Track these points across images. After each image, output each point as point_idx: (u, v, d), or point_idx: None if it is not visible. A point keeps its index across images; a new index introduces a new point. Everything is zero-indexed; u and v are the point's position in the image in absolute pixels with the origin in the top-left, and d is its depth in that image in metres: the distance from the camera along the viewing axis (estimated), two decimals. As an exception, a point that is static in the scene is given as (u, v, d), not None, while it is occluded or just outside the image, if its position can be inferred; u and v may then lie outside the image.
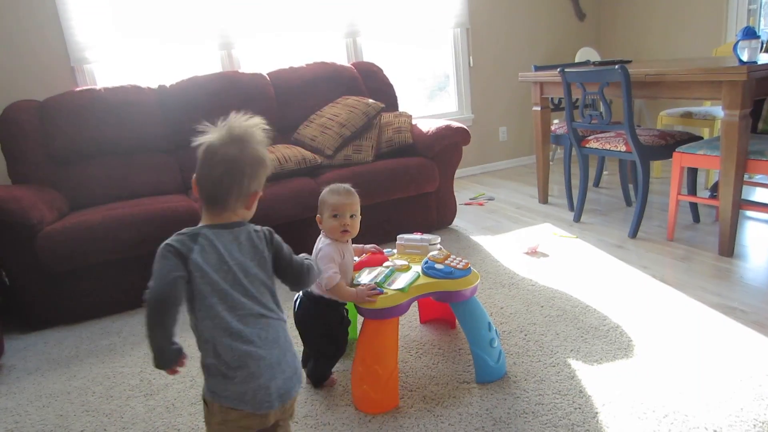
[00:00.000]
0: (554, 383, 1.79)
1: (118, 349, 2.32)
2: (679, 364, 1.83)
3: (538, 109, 3.67)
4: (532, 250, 2.96)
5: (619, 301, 2.32)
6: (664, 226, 3.18)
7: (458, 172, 4.71)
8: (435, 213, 3.36)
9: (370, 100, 3.38)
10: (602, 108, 3.05)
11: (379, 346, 1.67)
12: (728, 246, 2.70)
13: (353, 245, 1.93)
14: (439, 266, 1.75)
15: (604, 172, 4.40)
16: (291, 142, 3.32)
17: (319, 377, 1.85)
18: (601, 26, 5.20)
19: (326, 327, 1.77)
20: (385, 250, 1.98)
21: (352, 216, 1.80)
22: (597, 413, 1.62)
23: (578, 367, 1.87)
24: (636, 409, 1.63)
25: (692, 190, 3.13)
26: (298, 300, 1.78)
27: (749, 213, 3.25)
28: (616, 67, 2.78)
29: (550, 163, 4.39)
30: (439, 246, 1.98)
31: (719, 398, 1.64)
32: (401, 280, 1.71)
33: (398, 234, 2.03)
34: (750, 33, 2.45)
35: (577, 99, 3.24)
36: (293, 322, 1.79)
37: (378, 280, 1.70)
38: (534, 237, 3.17)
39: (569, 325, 2.15)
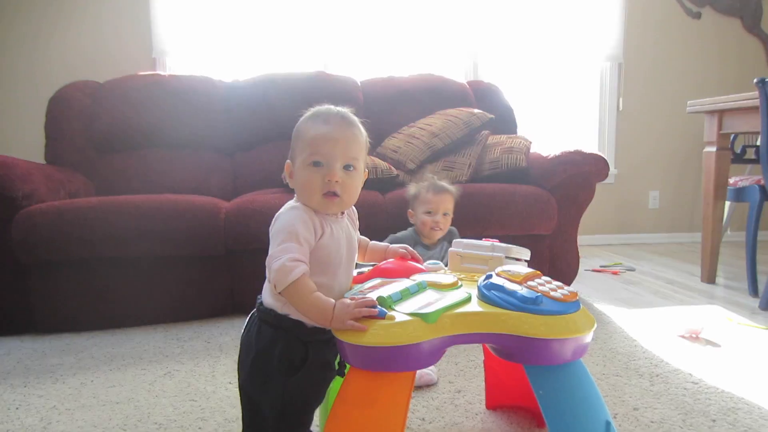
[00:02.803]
0: None
1: (44, 374, 1.65)
2: None
3: (713, 150, 2.65)
4: (693, 334, 1.91)
5: None
6: None
7: (589, 238, 3.73)
8: (547, 266, 2.41)
9: (476, 110, 2.62)
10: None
11: (365, 429, 0.82)
12: None
13: (372, 242, 1.13)
14: (512, 286, 0.88)
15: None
16: (373, 156, 2.65)
17: None
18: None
19: (265, 373, 0.91)
20: (428, 262, 1.13)
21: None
22: None
23: None
24: None
25: None
26: (250, 315, 1.00)
27: None
28: None
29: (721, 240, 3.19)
30: (526, 265, 1.10)
31: None
32: (429, 301, 0.87)
33: (454, 241, 1.19)
34: None
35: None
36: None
37: (386, 294, 0.87)
38: (696, 318, 2.11)
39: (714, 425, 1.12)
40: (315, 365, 0.91)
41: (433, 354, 0.84)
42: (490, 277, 0.92)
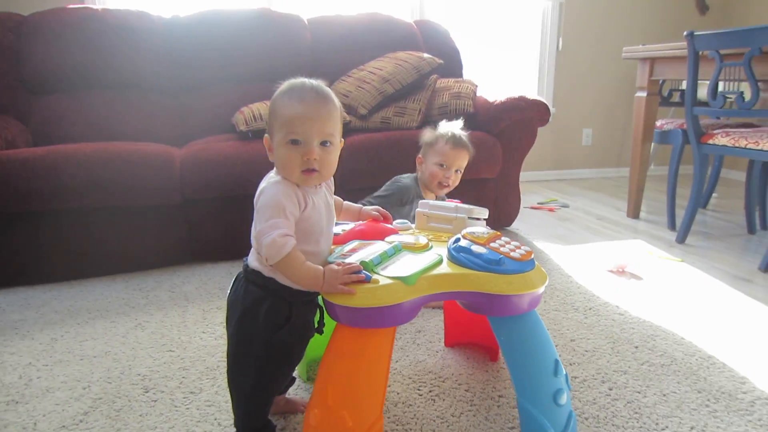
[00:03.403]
0: (664, 487, 0.99)
1: (8, 331, 1.67)
2: None
3: (644, 95, 2.83)
4: (619, 269, 2.13)
5: (761, 358, 1.48)
6: (809, 263, 2.28)
7: (527, 174, 3.92)
8: (492, 207, 2.56)
9: (426, 55, 2.66)
10: (746, 87, 2.19)
11: (355, 378, 0.93)
12: None
13: (346, 202, 1.21)
14: (477, 249, 0.99)
15: (714, 194, 3.48)
16: (322, 100, 2.65)
17: (247, 429, 1.06)
18: (727, 23, 4.24)
19: (252, 328, 0.99)
20: (396, 221, 1.23)
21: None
22: None
23: (705, 460, 1.06)
24: None
25: None
26: (238, 274, 1.06)
27: None
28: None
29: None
30: (485, 225, 1.22)
31: None
32: (407, 264, 0.97)
33: (420, 202, 1.29)
34: None
35: (701, 100, 2.38)
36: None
37: (368, 258, 0.97)
38: (621, 253, 2.34)
39: (684, 384, 1.34)
40: (297, 324, 1.00)
41: (412, 311, 0.95)
42: (458, 240, 1.03)
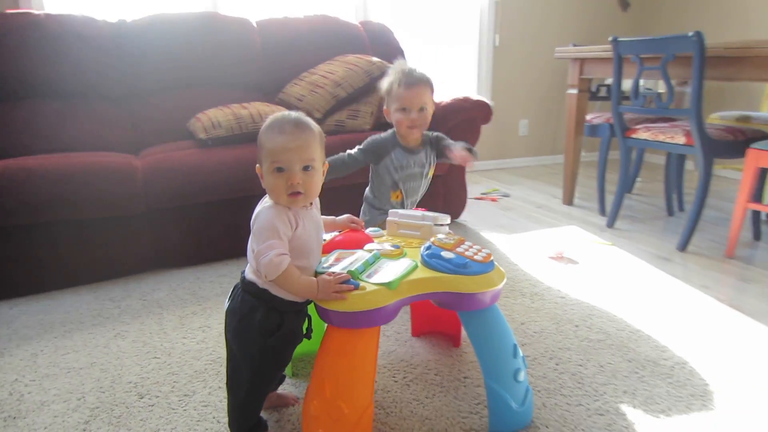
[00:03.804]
0: (605, 444, 1.19)
1: (6, 343, 1.72)
2: (792, 431, 1.24)
3: (575, 92, 3.08)
4: (558, 255, 2.36)
5: (679, 328, 1.73)
6: (716, 241, 2.60)
7: (469, 165, 4.13)
8: (442, 201, 2.75)
9: (375, 58, 2.79)
10: (662, 88, 2.45)
11: (348, 371, 1.07)
12: (812, 270, 2.11)
13: (323, 217, 1.33)
14: (447, 254, 1.15)
15: (638, 179, 3.81)
16: (275, 103, 2.74)
17: (240, 426, 1.17)
18: (646, 19, 4.59)
19: (247, 334, 1.10)
20: (369, 229, 1.38)
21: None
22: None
23: (637, 418, 1.28)
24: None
25: (758, 200, 2.54)
26: (236, 285, 1.17)
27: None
28: (690, 33, 2.18)
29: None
30: (448, 229, 1.38)
31: None
32: (388, 271, 1.12)
33: (390, 211, 1.43)
34: None
35: (625, 93, 2.64)
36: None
37: (353, 268, 1.11)
38: (559, 240, 2.58)
39: (617, 355, 1.56)
40: (287, 330, 1.12)
41: (395, 311, 1.10)
42: (429, 247, 1.18)
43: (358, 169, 1.79)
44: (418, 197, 1.90)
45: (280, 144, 1.06)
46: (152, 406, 1.34)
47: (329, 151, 1.97)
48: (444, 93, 2.76)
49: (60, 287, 2.10)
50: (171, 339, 1.68)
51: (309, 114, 2.55)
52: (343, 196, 1.97)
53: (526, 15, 4.20)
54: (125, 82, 2.69)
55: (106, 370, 1.51)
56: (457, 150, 1.74)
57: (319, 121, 2.57)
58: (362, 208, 1.89)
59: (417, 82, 1.67)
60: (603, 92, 3.50)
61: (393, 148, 1.75)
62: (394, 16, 3.81)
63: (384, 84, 1.74)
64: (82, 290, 2.08)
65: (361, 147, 1.77)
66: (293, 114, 1.11)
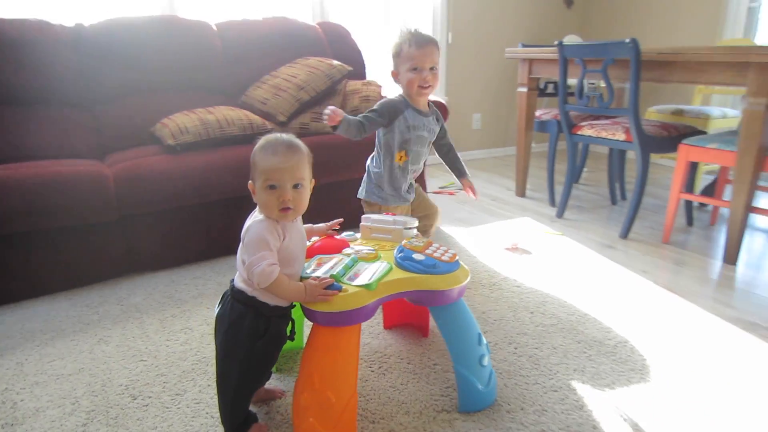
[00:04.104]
0: (559, 415, 1.36)
1: None
2: (710, 393, 1.44)
3: (525, 90, 3.26)
4: (513, 247, 2.54)
5: (621, 310, 1.92)
6: (654, 228, 2.84)
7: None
8: (403, 198, 2.89)
9: (335, 62, 2.89)
10: (604, 89, 2.65)
11: (334, 365, 1.19)
12: (734, 252, 2.36)
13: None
14: (418, 257, 1.29)
15: (585, 169, 4.05)
16: (238, 106, 2.80)
17: (231, 422, 1.26)
18: (589, 15, 4.84)
19: (236, 338, 1.20)
20: (344, 233, 1.50)
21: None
22: (622, 463, 1.20)
23: (586, 392, 1.45)
24: (673, 459, 1.22)
25: (690, 190, 2.79)
26: (225, 292, 1.27)
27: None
28: (627, 40, 2.38)
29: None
30: (416, 231, 1.52)
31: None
32: (366, 274, 1.25)
33: (362, 216, 1.56)
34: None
35: (570, 86, 2.84)
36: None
37: (335, 272, 1.23)
38: (514, 232, 2.77)
39: (567, 338, 1.74)
40: (273, 334, 1.23)
41: (373, 310, 1.23)
42: (402, 250, 1.31)
43: (372, 132, 1.82)
44: (420, 166, 1.94)
45: (273, 164, 1.17)
46: (146, 406, 1.43)
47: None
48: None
49: (34, 296, 2.12)
50: (154, 342, 1.75)
51: (273, 117, 2.67)
52: (336, 191, 2.07)
53: (477, 13, 4.37)
54: (86, 87, 2.69)
55: (95, 375, 1.58)
56: (467, 182, 1.96)
57: (283, 125, 2.67)
58: (363, 180, 1.95)
59: (427, 42, 1.70)
60: (551, 89, 3.71)
61: (405, 108, 1.79)
62: (349, 13, 3.90)
63: (393, 46, 1.77)
64: (58, 297, 2.11)
65: (374, 108, 1.78)
66: (285, 136, 1.22)
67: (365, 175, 1.95)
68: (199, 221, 2.35)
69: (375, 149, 1.92)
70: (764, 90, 2.12)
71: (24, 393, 1.51)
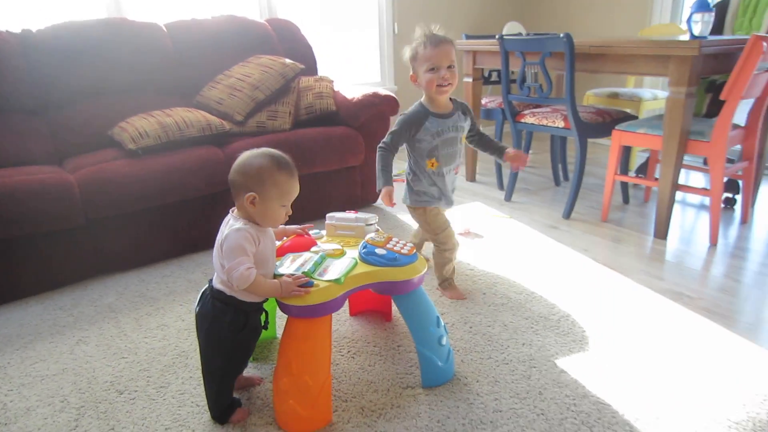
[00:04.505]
0: (510, 384, 1.55)
1: None
2: (641, 357, 1.65)
3: (470, 80, 3.43)
4: (465, 231, 2.72)
5: (564, 287, 2.13)
6: (594, 207, 3.08)
7: (380, 148, 4.42)
8: (360, 189, 3.04)
9: (288, 60, 2.98)
10: (542, 80, 2.84)
11: (309, 352, 1.33)
12: (664, 228, 2.61)
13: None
14: (380, 251, 1.44)
15: (530, 151, 4.27)
16: (193, 106, 2.86)
17: (218, 408, 1.40)
18: (530, 1, 5.05)
19: (218, 333, 1.32)
20: (311, 231, 1.63)
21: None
22: (563, 419, 1.40)
23: (533, 363, 1.64)
24: (604, 413, 1.42)
25: (624, 171, 3.04)
26: (203, 291, 1.39)
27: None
28: (561, 35, 2.57)
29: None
30: (376, 227, 1.66)
31: (694, 398, 1.47)
32: (335, 269, 1.38)
33: (324, 212, 1.69)
34: (704, 5, 2.32)
35: (514, 71, 3.02)
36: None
37: (306, 269, 1.36)
38: (465, 217, 2.95)
39: (516, 315, 1.93)
40: (251, 326, 1.37)
41: (342, 301, 1.37)
42: (365, 246, 1.45)
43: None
44: (455, 164, 1.96)
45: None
46: (133, 399, 1.53)
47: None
48: (351, 79, 3.00)
49: (4, 302, 2.17)
50: (133, 340, 1.85)
51: (230, 117, 2.75)
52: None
53: (422, 3, 4.50)
54: (39, 92, 2.69)
55: (80, 374, 1.67)
56: (512, 154, 1.96)
57: (240, 124, 2.76)
58: (404, 187, 2.03)
59: (442, 41, 1.74)
60: (495, 77, 3.89)
61: (425, 117, 1.83)
62: (298, 8, 3.96)
63: (407, 51, 1.83)
64: (30, 302, 2.16)
65: (394, 128, 1.86)
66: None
67: (405, 182, 2.03)
68: (164, 221, 2.42)
69: (408, 160, 1.98)
70: (684, 80, 2.34)
71: (12, 394, 1.59)
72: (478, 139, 2.06)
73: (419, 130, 1.86)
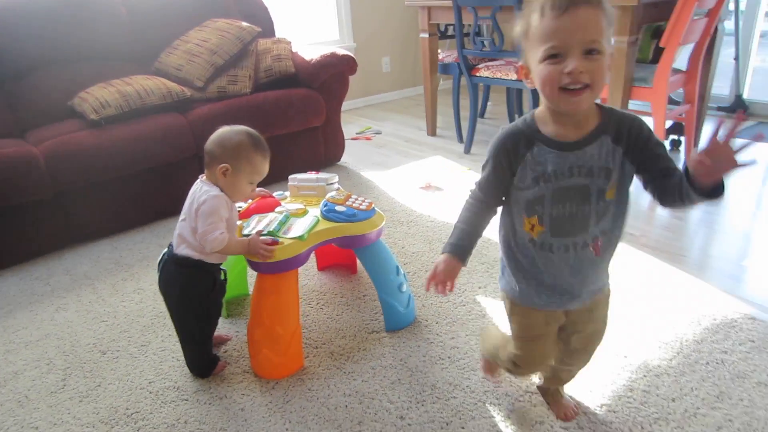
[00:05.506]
0: (466, 323, 1.70)
1: None
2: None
3: (426, 36, 3.49)
4: (426, 185, 2.84)
5: (518, 233, 2.28)
6: (549, 155, 3.21)
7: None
8: (323, 149, 3.11)
9: (244, 23, 2.98)
10: (495, 34, 2.92)
11: (279, 304, 1.45)
12: (611, 172, 2.76)
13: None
14: (340, 208, 1.54)
15: (489, 103, 4.38)
16: (152, 73, 2.86)
17: (201, 365, 1.54)
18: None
19: (191, 297, 1.44)
20: (275, 193, 1.73)
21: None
22: (512, 352, 1.56)
23: (488, 303, 1.80)
24: (549, 343, 1.58)
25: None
26: (161, 261, 1.47)
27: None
28: (510, -11, 2.64)
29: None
30: (337, 185, 1.77)
31: (652, 334, 1.64)
32: (298, 227, 1.49)
33: (288, 174, 1.77)
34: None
35: (468, 25, 3.09)
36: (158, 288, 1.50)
37: (272, 228, 1.46)
38: (427, 171, 3.06)
39: (474, 261, 2.07)
40: (219, 285, 1.48)
41: (307, 256, 1.48)
42: (326, 204, 1.56)
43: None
44: (582, 236, 1.04)
45: (264, 168, 1.44)
46: (116, 358, 1.64)
47: (214, 119, 2.13)
48: (309, 38, 3.02)
49: (-23, 275, 2.22)
50: (111, 304, 1.94)
51: (189, 83, 2.78)
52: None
53: (378, -42, 4.47)
54: (-5, 64, 2.66)
55: (62, 338, 1.76)
56: (696, 160, 0.88)
57: (201, 89, 2.78)
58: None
59: (573, 3, 0.86)
60: (451, 31, 3.94)
61: (533, 142, 0.99)
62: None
63: (518, 27, 0.96)
64: (4, 274, 2.22)
65: (484, 164, 1.09)
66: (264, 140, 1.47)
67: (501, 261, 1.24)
68: (133, 190, 2.48)
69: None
70: (625, 29, 2.46)
71: (-2, 362, 1.68)
72: (662, 188, 0.99)
73: (519, 163, 1.02)
